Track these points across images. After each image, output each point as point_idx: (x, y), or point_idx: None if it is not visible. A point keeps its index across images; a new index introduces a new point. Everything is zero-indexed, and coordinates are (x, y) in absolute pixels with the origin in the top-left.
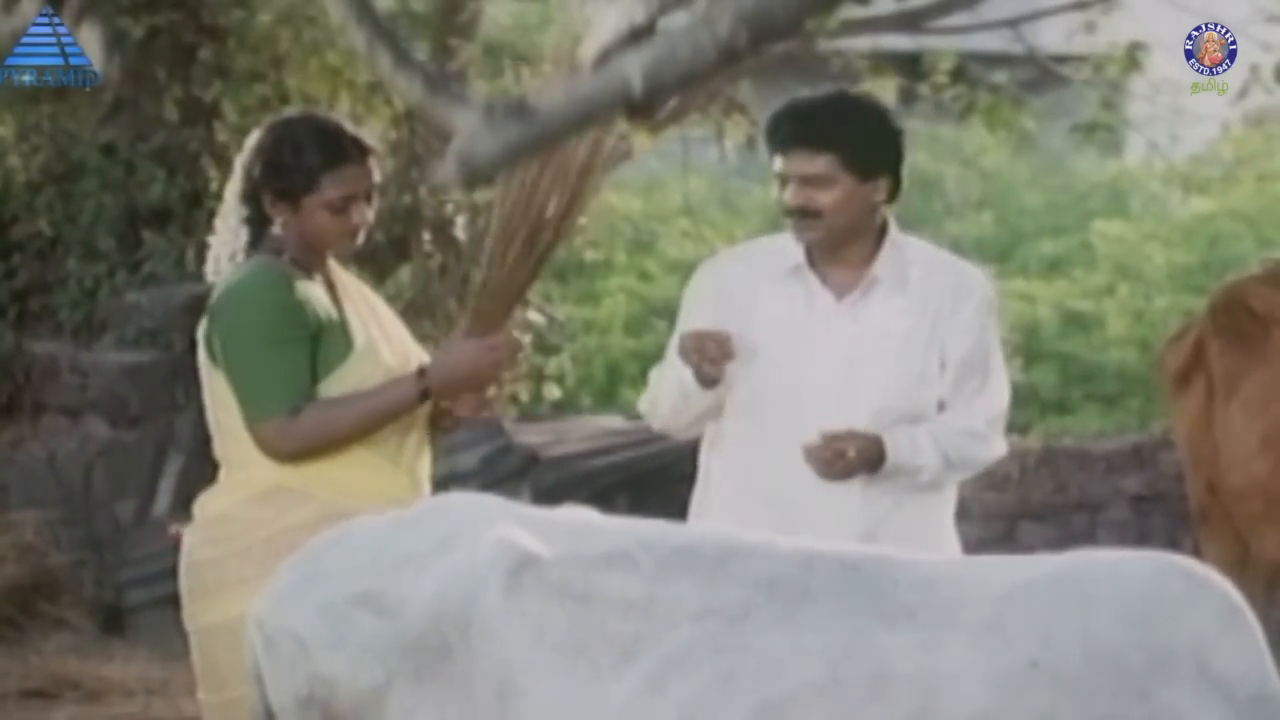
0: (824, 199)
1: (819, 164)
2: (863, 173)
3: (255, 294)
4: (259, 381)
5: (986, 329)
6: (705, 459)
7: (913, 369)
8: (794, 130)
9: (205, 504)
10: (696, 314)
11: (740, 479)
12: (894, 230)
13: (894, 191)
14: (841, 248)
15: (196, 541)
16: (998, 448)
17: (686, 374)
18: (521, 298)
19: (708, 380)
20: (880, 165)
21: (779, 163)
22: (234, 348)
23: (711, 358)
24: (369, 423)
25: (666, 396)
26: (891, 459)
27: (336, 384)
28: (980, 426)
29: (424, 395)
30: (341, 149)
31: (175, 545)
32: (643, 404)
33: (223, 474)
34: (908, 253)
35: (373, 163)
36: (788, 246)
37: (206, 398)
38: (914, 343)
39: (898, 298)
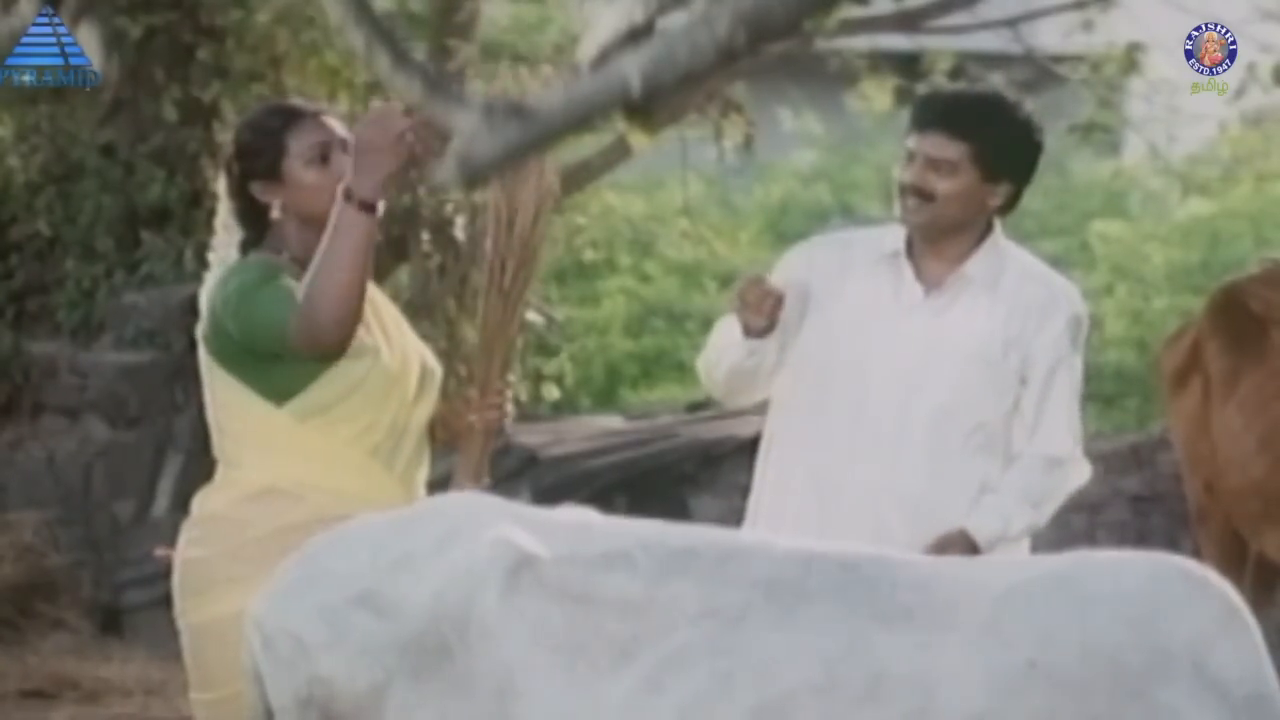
0: (943, 185)
1: (951, 150)
2: (989, 172)
3: (253, 276)
4: (266, 310)
5: (1072, 347)
6: (764, 447)
7: (985, 373)
8: (939, 112)
9: (201, 502)
10: (783, 288)
11: (795, 454)
12: (997, 234)
13: (1012, 202)
14: (941, 240)
15: (190, 539)
16: (1082, 471)
17: (737, 323)
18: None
19: (749, 329)
20: (1008, 172)
21: (913, 140)
22: (235, 308)
23: (749, 303)
24: (350, 253)
25: (714, 346)
26: (985, 545)
27: (331, 384)
28: (1064, 450)
29: (363, 205)
30: (294, 109)
31: (167, 567)
32: (699, 360)
33: (219, 472)
34: (1005, 258)
35: (330, 120)
36: (888, 235)
37: (206, 396)
38: (991, 347)
39: (985, 300)
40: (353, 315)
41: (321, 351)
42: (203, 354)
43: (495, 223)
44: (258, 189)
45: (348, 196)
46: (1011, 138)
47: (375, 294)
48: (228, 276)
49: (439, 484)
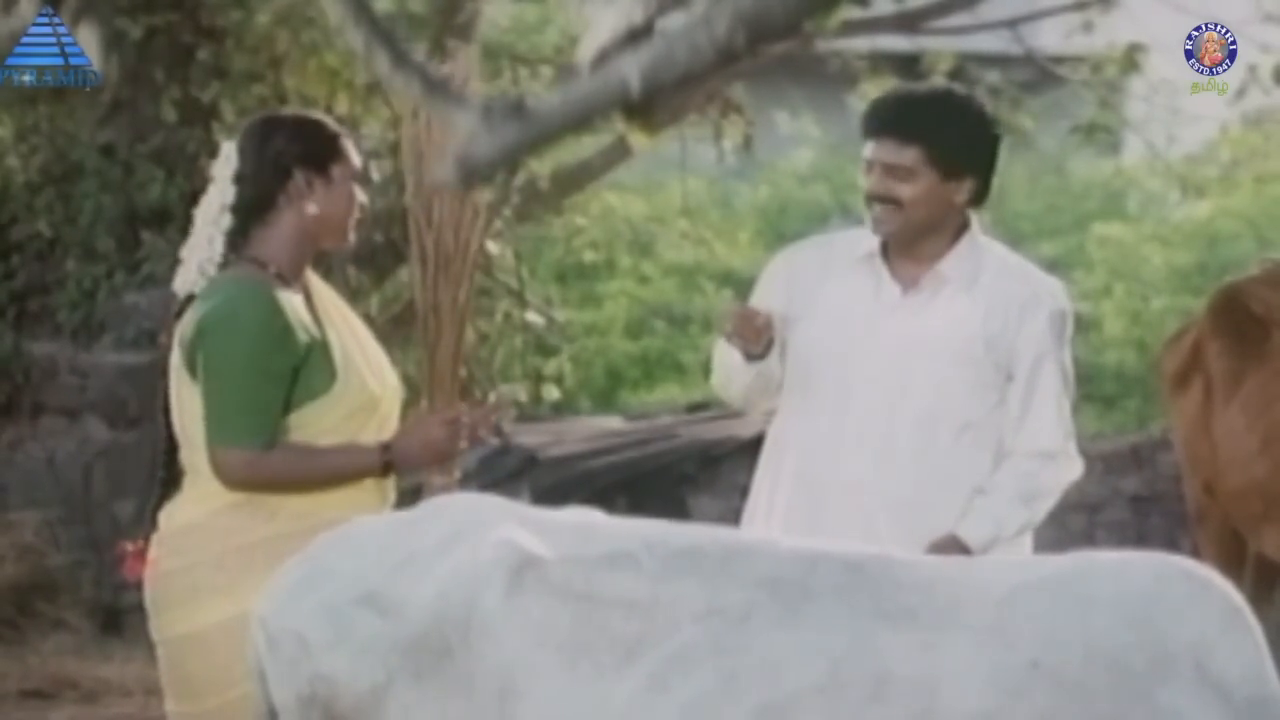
0: (904, 191)
1: (904, 155)
2: (947, 171)
3: (245, 318)
4: (236, 409)
5: (1057, 341)
6: (765, 449)
7: (968, 372)
8: (887, 118)
9: (172, 514)
10: (768, 298)
11: (785, 457)
12: (974, 231)
13: (979, 194)
14: (916, 242)
15: (164, 552)
16: (1075, 466)
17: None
18: (458, 361)
19: (749, 355)
20: (966, 167)
21: (869, 149)
22: (217, 371)
23: (746, 337)
24: (329, 481)
25: (721, 367)
26: (978, 549)
27: (318, 411)
28: (1054, 444)
29: (387, 468)
30: (335, 125)
31: (120, 560)
32: (713, 379)
33: (189, 484)
34: (984, 256)
35: None
36: (865, 236)
37: (174, 405)
38: (973, 346)
39: (963, 298)
40: (265, 488)
41: (226, 479)
42: (177, 361)
43: (417, 238)
44: (303, 179)
45: (385, 451)
46: (963, 134)
47: (344, 306)
48: (230, 315)
49: (411, 493)
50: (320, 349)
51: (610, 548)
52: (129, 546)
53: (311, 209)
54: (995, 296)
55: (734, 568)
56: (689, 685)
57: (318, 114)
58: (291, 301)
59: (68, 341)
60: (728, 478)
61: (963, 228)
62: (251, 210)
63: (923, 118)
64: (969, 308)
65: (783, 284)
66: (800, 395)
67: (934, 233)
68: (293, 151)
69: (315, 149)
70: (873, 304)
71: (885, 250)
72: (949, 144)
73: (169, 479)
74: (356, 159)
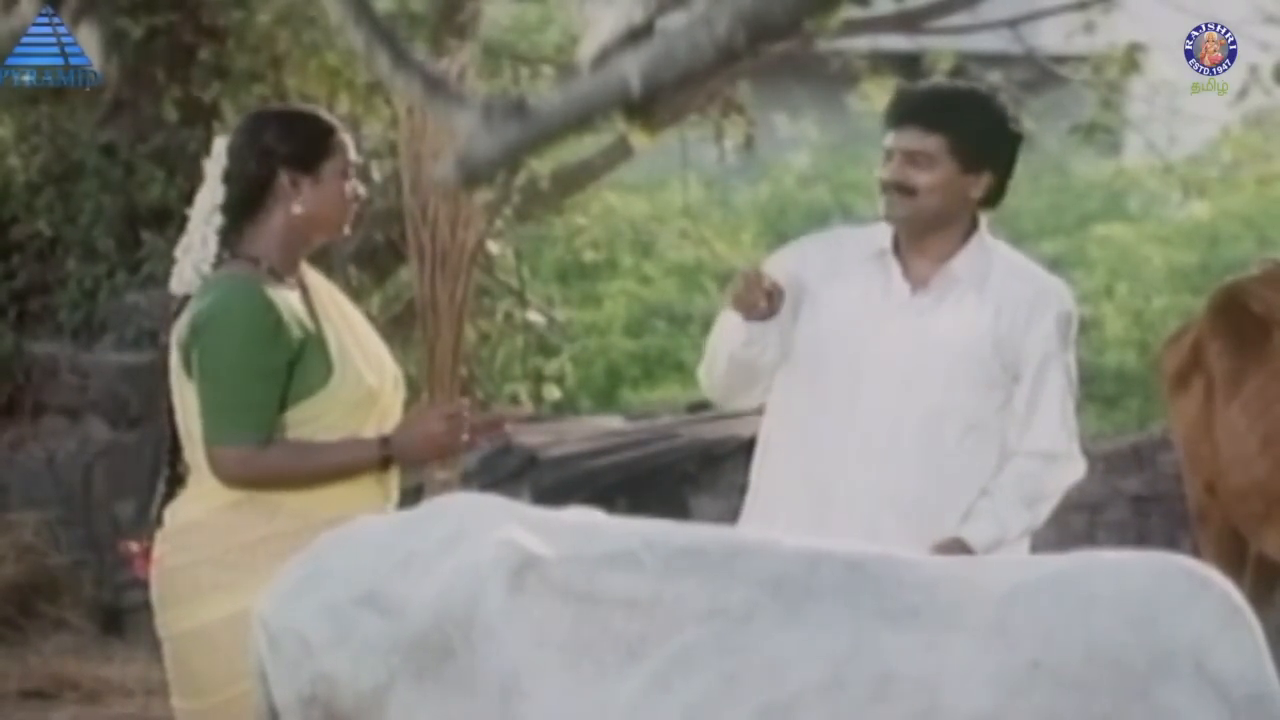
0: (922, 178)
1: (928, 143)
2: (967, 163)
3: (236, 315)
4: (232, 407)
5: (1063, 343)
6: (759, 450)
7: (974, 372)
8: (913, 106)
9: (176, 511)
10: None
11: (789, 456)
12: (983, 232)
13: (994, 195)
14: (926, 237)
15: (168, 549)
16: (1078, 467)
17: (735, 315)
18: (457, 358)
19: (748, 315)
20: (986, 162)
21: (890, 137)
22: (211, 369)
23: (744, 297)
24: (328, 476)
25: (712, 340)
26: (982, 551)
27: (316, 407)
28: (1058, 446)
29: (386, 462)
30: (334, 124)
31: (126, 559)
32: (700, 368)
33: (192, 481)
34: (992, 256)
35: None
36: (876, 234)
37: (176, 404)
38: (980, 346)
39: (972, 298)
40: (263, 485)
41: (223, 477)
42: (176, 362)
43: (414, 236)
44: (288, 179)
45: (384, 445)
46: (988, 128)
47: (342, 300)
48: (223, 313)
49: (413, 492)
50: (315, 344)
51: (612, 547)
52: (134, 545)
53: (297, 209)
54: (1004, 297)
55: (736, 567)
56: (691, 685)
57: (311, 108)
58: (285, 297)
59: (68, 341)
60: (728, 477)
61: (972, 228)
62: (241, 209)
63: (950, 108)
64: (977, 308)
65: (793, 276)
66: (806, 394)
67: (945, 228)
68: (279, 152)
69: (302, 149)
70: (881, 303)
71: (897, 248)
72: (973, 136)
73: (174, 477)
74: (351, 153)
